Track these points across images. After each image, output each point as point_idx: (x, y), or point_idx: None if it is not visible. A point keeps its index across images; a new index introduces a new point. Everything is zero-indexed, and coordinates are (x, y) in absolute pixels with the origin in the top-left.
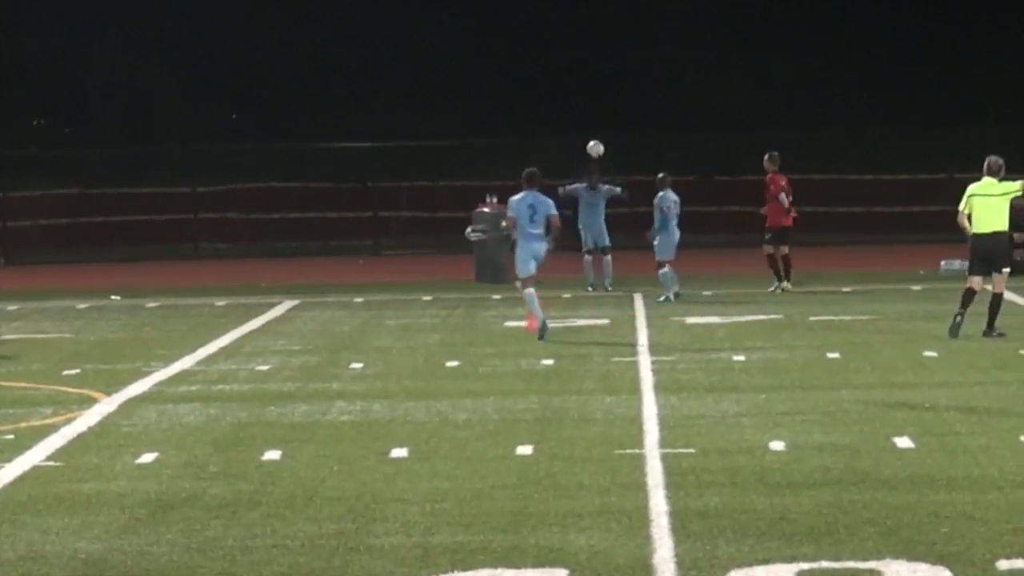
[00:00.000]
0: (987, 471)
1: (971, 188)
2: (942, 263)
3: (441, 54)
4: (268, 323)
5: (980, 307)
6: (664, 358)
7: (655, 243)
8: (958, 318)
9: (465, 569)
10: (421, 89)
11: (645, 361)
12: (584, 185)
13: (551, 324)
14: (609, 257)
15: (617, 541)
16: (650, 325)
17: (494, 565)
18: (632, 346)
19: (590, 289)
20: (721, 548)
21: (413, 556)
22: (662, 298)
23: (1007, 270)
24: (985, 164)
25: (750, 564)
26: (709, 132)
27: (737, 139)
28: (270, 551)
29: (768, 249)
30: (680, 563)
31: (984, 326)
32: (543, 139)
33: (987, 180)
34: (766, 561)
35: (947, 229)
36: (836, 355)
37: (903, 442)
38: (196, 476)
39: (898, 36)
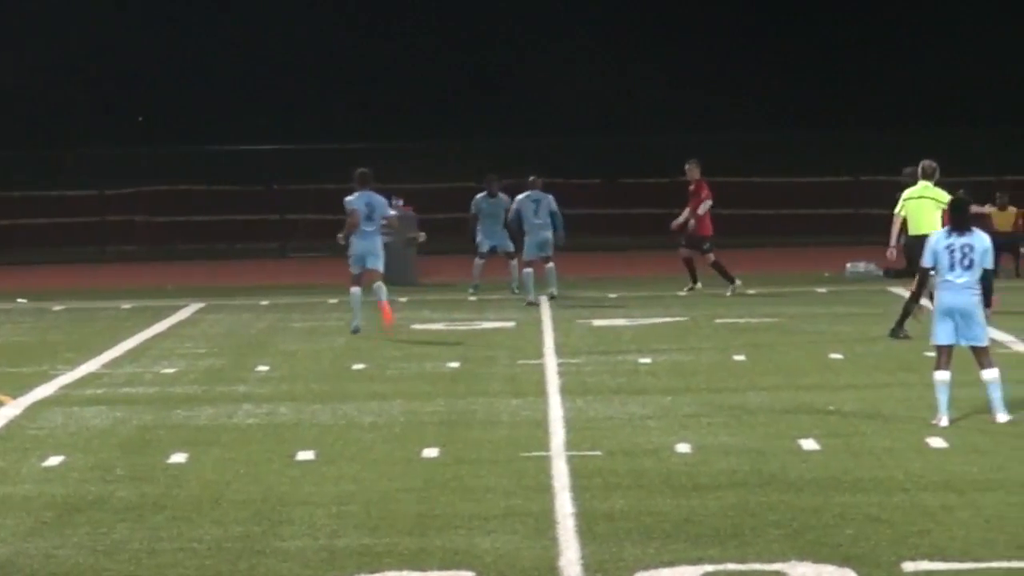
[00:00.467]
0: (892, 473)
1: (906, 192)
2: (847, 266)
3: (346, 56)
4: (174, 326)
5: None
6: (570, 360)
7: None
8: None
9: (371, 572)
10: (326, 91)
11: (551, 363)
12: (484, 194)
13: (459, 327)
14: (515, 262)
15: (523, 543)
16: (556, 328)
17: (400, 568)
18: (538, 349)
19: (516, 291)
20: (627, 550)
21: (319, 559)
22: (526, 302)
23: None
24: (919, 168)
25: (656, 566)
26: (615, 135)
27: (646, 142)
28: (176, 554)
29: (711, 258)
30: (586, 565)
31: (893, 324)
32: (449, 142)
33: (922, 184)
34: (672, 563)
35: (852, 232)
36: (742, 357)
37: (809, 444)
38: (102, 479)
39: (805, 40)
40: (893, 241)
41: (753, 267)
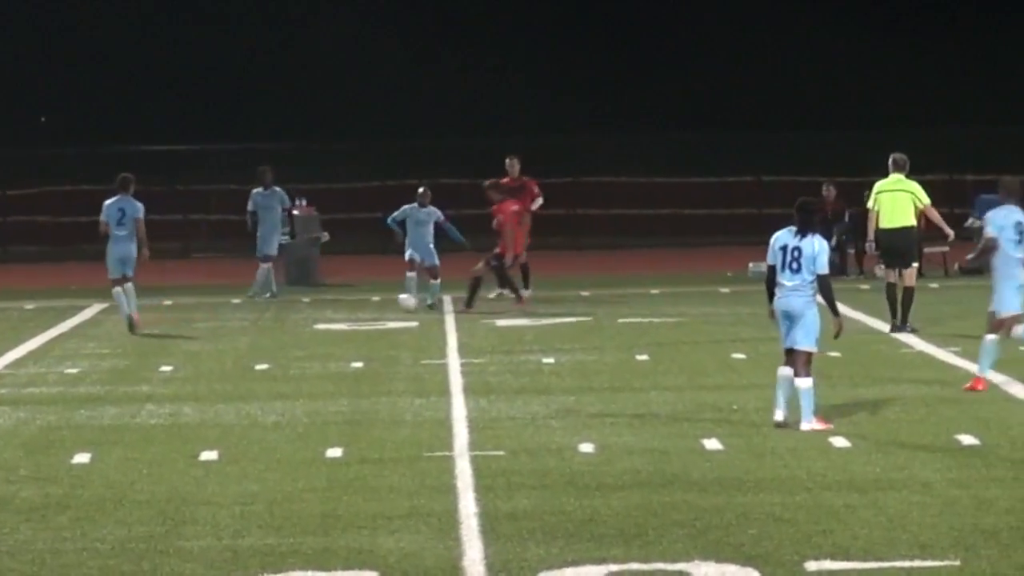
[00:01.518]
0: (795, 473)
1: (878, 185)
2: (750, 265)
3: (250, 56)
4: (78, 326)
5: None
6: (474, 360)
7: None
8: (896, 323)
9: (275, 572)
10: (230, 91)
11: (454, 363)
12: (414, 204)
13: (364, 327)
14: (437, 281)
15: (427, 543)
16: (459, 328)
17: (304, 567)
18: (442, 348)
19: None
20: (531, 550)
21: (223, 559)
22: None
23: (915, 264)
24: (891, 160)
25: (560, 566)
26: (489, 137)
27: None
28: (80, 554)
29: (523, 259)
30: (490, 565)
31: (899, 321)
32: (352, 142)
33: (894, 176)
34: (575, 563)
35: (755, 232)
36: (645, 357)
37: (712, 444)
38: (5, 480)
39: (705, 39)
40: (871, 235)
41: (656, 267)
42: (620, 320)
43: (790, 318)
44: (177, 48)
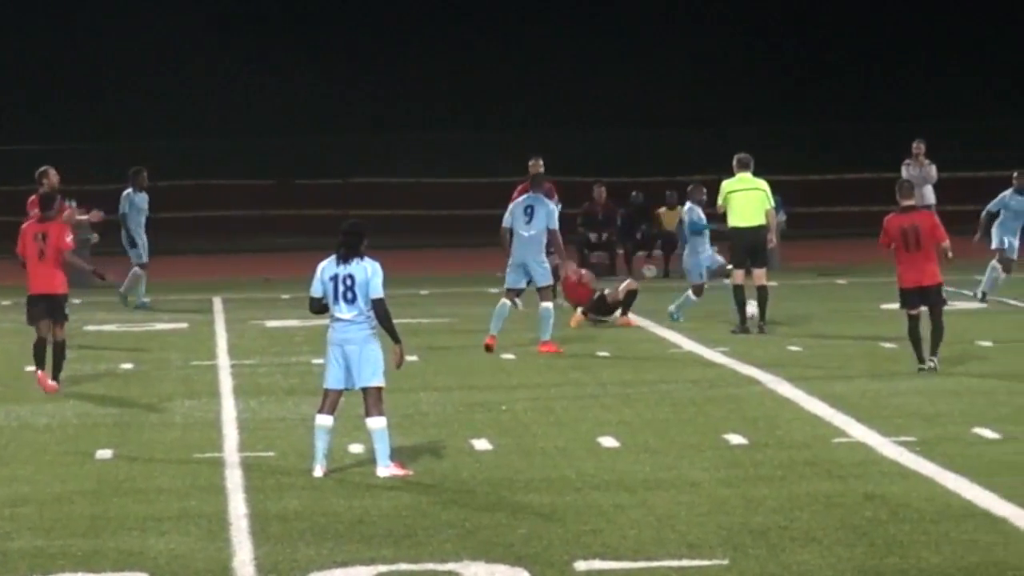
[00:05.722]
0: (564, 473)
1: (726, 185)
2: None
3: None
4: None
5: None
6: (244, 362)
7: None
8: (745, 323)
9: (44, 573)
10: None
11: (225, 365)
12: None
13: (133, 329)
14: (143, 273)
15: (197, 545)
16: (229, 329)
17: (74, 569)
18: (212, 350)
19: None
20: (301, 551)
21: None
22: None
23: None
24: (735, 160)
25: (329, 567)
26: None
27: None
28: None
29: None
30: (259, 566)
31: (743, 323)
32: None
33: (742, 175)
34: (345, 563)
35: None
36: (414, 358)
37: (481, 444)
38: None
39: (479, 41)
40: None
41: (425, 268)
42: (395, 321)
43: (350, 354)
44: (61, 46)
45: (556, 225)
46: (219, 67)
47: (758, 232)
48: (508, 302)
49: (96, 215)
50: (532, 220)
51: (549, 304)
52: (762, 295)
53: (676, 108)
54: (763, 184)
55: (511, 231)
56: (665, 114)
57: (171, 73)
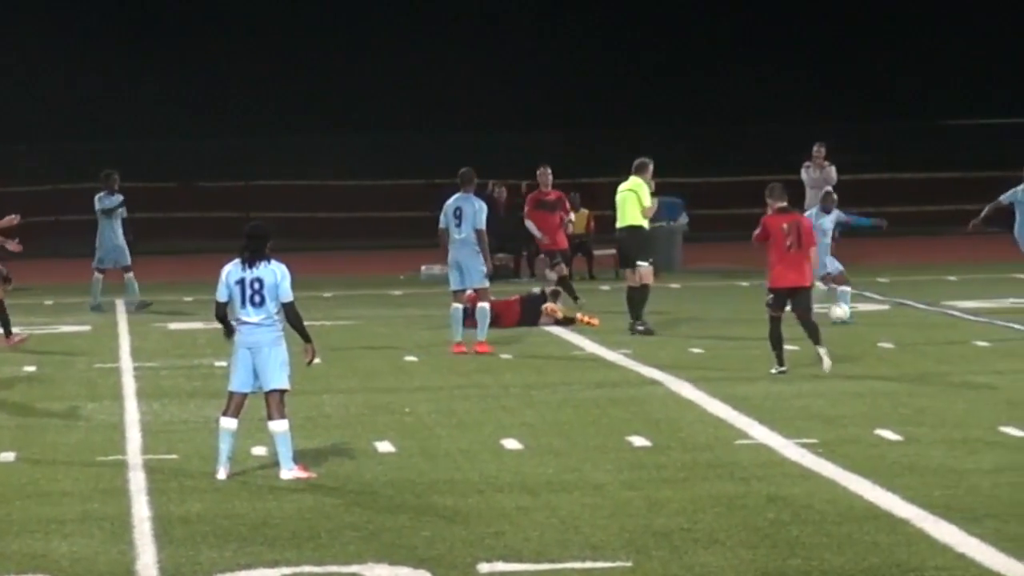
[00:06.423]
0: (467, 475)
1: (621, 186)
2: (422, 268)
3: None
4: None
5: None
6: (147, 364)
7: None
8: (639, 327)
9: None
10: None
11: (128, 367)
12: (99, 193)
13: (36, 331)
14: (131, 275)
15: (100, 547)
16: (133, 331)
17: None
18: (115, 352)
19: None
20: (204, 554)
21: None
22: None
23: (646, 263)
24: (634, 164)
25: (233, 569)
26: (163, 140)
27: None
28: None
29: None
30: (163, 569)
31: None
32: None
33: (632, 179)
34: (249, 566)
35: (427, 235)
36: (317, 360)
37: (384, 446)
38: None
39: (380, 43)
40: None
41: (328, 270)
42: None
43: (256, 356)
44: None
45: (483, 225)
46: (116, 68)
47: (623, 233)
48: (460, 305)
49: (15, 246)
50: (461, 223)
51: (486, 304)
52: (640, 294)
53: (580, 110)
54: (636, 184)
55: (447, 232)
56: (572, 116)
57: (74, 72)
